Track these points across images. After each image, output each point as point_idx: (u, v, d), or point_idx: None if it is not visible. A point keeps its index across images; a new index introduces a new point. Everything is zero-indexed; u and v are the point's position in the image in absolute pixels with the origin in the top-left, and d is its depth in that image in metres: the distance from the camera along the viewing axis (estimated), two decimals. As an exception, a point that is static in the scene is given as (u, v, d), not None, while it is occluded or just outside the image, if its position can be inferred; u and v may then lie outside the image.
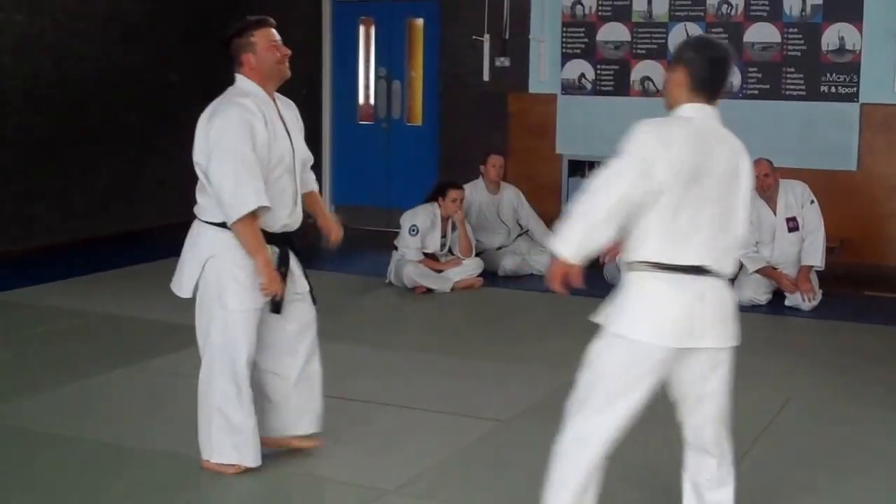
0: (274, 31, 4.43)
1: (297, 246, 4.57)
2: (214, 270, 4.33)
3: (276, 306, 4.42)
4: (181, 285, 4.42)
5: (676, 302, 3.47)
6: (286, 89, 4.55)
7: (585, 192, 3.43)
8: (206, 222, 4.36)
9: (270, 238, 4.36)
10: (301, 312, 4.58)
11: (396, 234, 8.45)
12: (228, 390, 4.37)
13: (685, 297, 3.47)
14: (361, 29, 11.29)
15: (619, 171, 3.40)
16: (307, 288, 4.60)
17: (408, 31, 11.13)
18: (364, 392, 5.65)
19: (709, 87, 3.57)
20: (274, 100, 4.46)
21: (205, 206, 4.37)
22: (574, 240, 3.41)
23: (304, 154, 4.62)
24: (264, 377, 4.57)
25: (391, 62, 11.19)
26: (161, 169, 10.62)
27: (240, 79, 4.42)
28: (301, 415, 4.63)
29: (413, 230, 8.27)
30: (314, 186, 4.80)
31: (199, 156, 4.31)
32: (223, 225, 4.30)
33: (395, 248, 8.37)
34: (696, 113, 3.56)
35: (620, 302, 3.53)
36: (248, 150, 4.22)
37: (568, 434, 3.56)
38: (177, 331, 6.83)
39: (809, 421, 5.39)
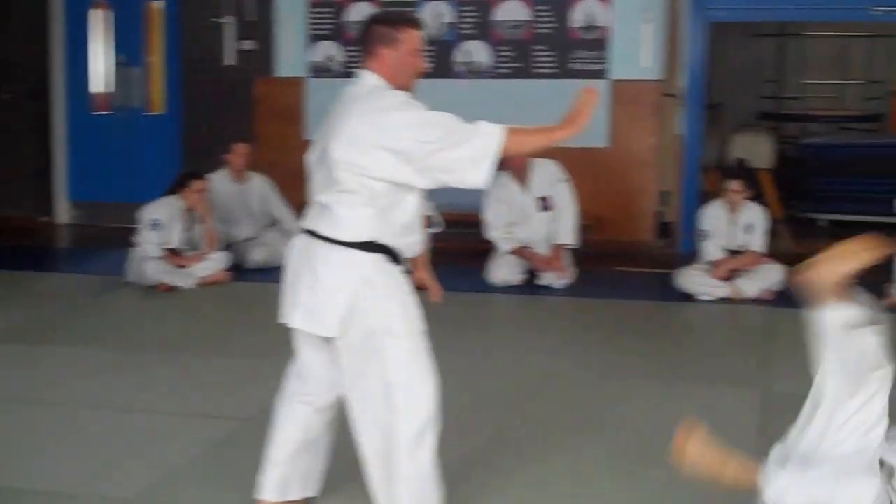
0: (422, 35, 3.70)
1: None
2: (372, 297, 3.49)
3: None
4: (322, 321, 3.51)
5: None
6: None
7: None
8: (344, 243, 3.50)
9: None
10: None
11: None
12: (428, 453, 3.56)
13: None
14: (96, 14, 10.57)
15: None
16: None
17: (146, 14, 10.50)
18: (103, 397, 5.27)
19: None
20: None
21: (345, 221, 3.50)
22: None
23: None
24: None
25: (129, 48, 10.52)
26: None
27: (365, 74, 3.63)
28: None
29: (155, 224, 7.80)
30: None
31: (350, 154, 3.58)
32: (370, 246, 3.50)
33: (136, 245, 7.86)
34: None
35: None
36: (448, 116, 3.50)
37: None
38: None
39: (563, 395, 5.32)
